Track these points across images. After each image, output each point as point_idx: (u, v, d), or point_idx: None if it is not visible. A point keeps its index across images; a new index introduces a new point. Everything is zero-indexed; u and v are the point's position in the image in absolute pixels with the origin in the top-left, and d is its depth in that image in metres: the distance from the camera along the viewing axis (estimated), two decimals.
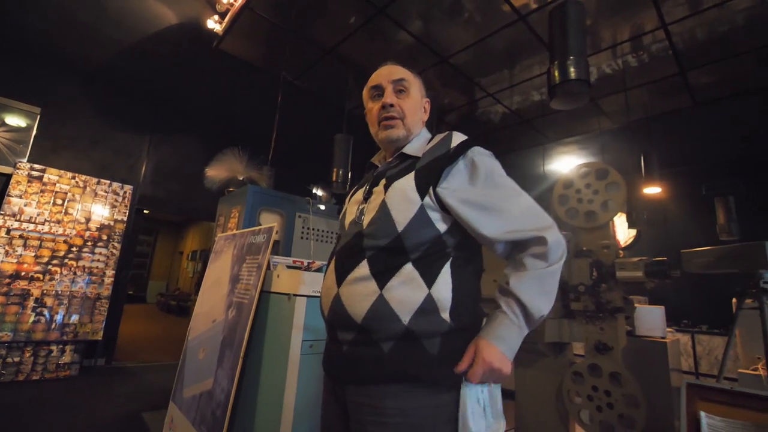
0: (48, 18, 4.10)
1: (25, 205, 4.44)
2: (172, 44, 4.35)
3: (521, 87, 4.65)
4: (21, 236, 4.34)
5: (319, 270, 1.90)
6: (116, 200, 5.08)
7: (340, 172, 3.58)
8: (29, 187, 4.51)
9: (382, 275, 0.91)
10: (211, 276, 2.69)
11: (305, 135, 6.44)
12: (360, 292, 0.92)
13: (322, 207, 3.20)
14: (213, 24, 3.65)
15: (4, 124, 4.61)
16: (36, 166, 4.61)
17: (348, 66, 4.43)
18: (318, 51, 4.21)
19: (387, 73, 1.13)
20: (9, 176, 4.46)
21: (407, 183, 0.98)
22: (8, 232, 4.27)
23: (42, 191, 4.57)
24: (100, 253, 4.80)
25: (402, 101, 1.10)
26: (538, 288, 0.88)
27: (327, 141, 4.61)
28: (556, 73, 2.15)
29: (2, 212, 4.27)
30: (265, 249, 2.03)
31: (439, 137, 1.07)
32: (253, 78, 4.88)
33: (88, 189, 4.89)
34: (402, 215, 0.95)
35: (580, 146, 6.03)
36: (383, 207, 0.97)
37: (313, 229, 3.07)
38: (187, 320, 10.69)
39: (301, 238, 2.91)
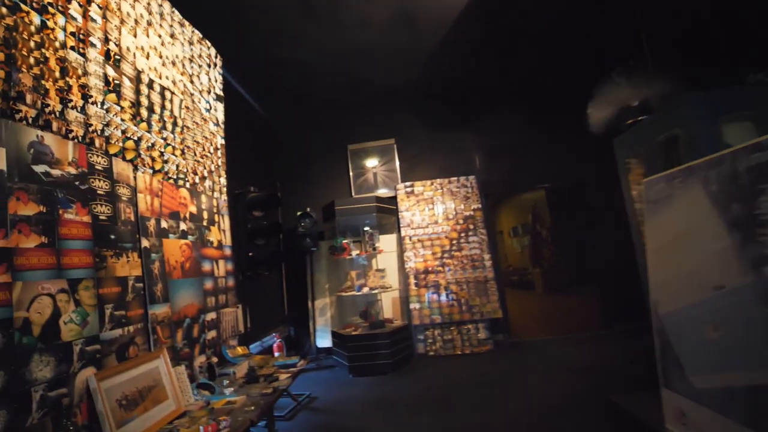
0: (373, 69, 4.88)
1: (412, 216, 5.47)
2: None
3: None
4: (418, 240, 5.35)
5: None
6: (467, 192, 5.51)
7: None
8: (409, 200, 5.54)
9: None
10: (664, 232, 2.07)
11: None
12: None
13: None
14: None
15: (380, 161, 5.92)
16: (406, 183, 5.64)
17: None
18: None
19: None
20: (394, 197, 5.63)
21: None
22: (410, 239, 5.37)
23: (417, 202, 5.52)
24: (474, 241, 5.28)
25: None
26: None
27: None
28: None
29: (402, 225, 5.42)
30: None
31: None
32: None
33: (444, 189, 5.54)
34: None
35: None
36: None
37: None
38: (530, 293, 10.73)
39: None
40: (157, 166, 2.55)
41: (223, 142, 3.58)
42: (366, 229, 5.26)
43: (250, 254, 3.71)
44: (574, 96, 5.52)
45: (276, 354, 4.81)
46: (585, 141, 5.62)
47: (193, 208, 2.83)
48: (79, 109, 1.94)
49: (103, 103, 2.12)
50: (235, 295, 3.27)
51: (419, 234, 5.37)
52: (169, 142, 2.71)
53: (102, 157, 2.03)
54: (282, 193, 5.87)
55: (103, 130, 2.09)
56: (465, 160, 5.82)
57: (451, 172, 5.70)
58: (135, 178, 2.29)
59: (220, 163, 3.46)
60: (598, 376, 3.55)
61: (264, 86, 5.05)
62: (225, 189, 3.48)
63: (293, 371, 2.71)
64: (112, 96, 2.21)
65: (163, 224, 2.46)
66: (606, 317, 5.37)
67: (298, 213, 5.19)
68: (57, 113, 1.81)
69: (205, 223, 2.97)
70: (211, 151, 3.33)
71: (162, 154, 2.62)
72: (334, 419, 3.20)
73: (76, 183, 1.81)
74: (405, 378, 4.12)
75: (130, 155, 2.29)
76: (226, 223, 3.36)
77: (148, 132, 2.50)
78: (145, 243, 2.25)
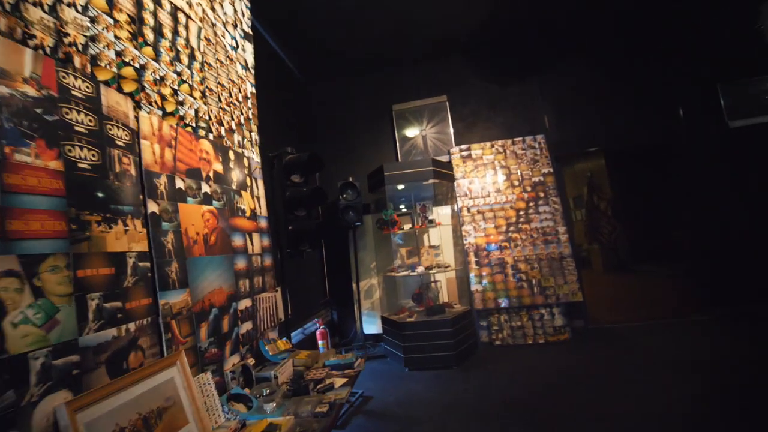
0: (420, 10, 4.04)
1: (469, 184, 4.69)
2: None
3: None
4: (478, 211, 4.58)
5: None
6: (535, 154, 4.64)
7: None
8: (465, 166, 4.75)
9: None
10: None
11: None
12: None
13: None
14: None
15: (429, 122, 5.13)
16: (462, 146, 4.83)
17: None
18: None
19: None
20: (449, 163, 4.85)
21: None
22: (468, 210, 4.61)
23: (475, 167, 4.72)
24: (545, 212, 4.45)
25: None
26: None
27: None
28: None
29: (458, 195, 4.66)
30: None
31: None
32: None
33: (507, 152, 4.70)
34: None
35: None
36: None
37: None
38: (587, 272, 9.60)
39: None
40: (170, 108, 1.92)
41: (253, 90, 2.93)
42: (398, 208, 4.55)
43: (290, 227, 3.10)
44: (664, 35, 4.51)
45: (320, 342, 4.28)
46: (676, 92, 4.60)
47: (218, 166, 2.21)
48: (46, 7, 1.31)
49: (86, 9, 1.49)
50: (273, 276, 2.68)
51: (479, 204, 4.59)
52: (185, 78, 2.08)
53: (83, 82, 1.40)
54: None
55: (86, 46, 1.46)
56: (531, 118, 4.91)
57: (514, 132, 4.83)
58: (137, 118, 1.67)
59: (250, 115, 2.82)
60: (725, 373, 2.72)
61: (294, 36, 4.32)
62: (258, 147, 2.85)
63: (351, 375, 2.10)
64: (100, 2, 1.57)
65: (179, 184, 1.85)
66: (702, 300, 4.43)
67: (339, 183, 4.53)
68: (6, 6, 1.18)
69: (234, 186, 2.36)
70: (240, 99, 2.69)
71: (175, 92, 1.99)
72: (399, 429, 2.59)
73: (37, 110, 1.20)
74: (473, 373, 3.45)
75: (129, 87, 1.66)
76: (260, 189, 2.75)
77: (156, 61, 1.86)
78: (153, 207, 1.64)
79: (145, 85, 1.77)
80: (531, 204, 4.49)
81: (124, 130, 1.57)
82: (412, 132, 5.17)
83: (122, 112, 1.58)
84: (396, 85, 5.27)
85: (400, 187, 4.39)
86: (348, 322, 4.99)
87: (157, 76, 1.86)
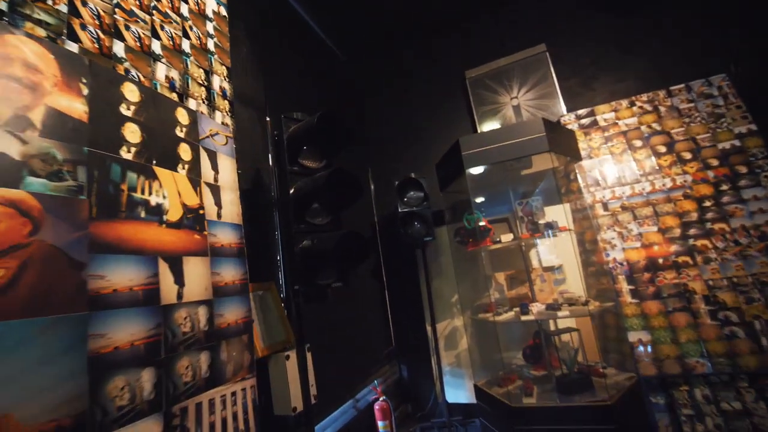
0: None
1: (599, 165, 2.97)
2: None
3: None
4: (623, 207, 2.81)
5: None
6: (715, 106, 2.78)
7: None
8: (589, 140, 3.05)
9: None
10: None
11: None
12: None
13: None
14: None
15: (522, 86, 3.55)
16: (579, 112, 3.15)
17: None
18: None
19: None
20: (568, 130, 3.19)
21: None
22: (605, 207, 2.86)
23: (606, 140, 2.99)
24: (755, 198, 2.53)
25: None
26: None
27: None
28: None
29: (585, 185, 2.95)
30: None
31: None
32: None
33: (662, 109, 2.90)
34: None
35: None
36: None
37: None
38: None
39: None
40: None
41: (220, 10, 1.71)
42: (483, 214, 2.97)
43: (305, 243, 1.75)
44: None
45: (380, 424, 2.80)
46: None
47: (75, 106, 0.95)
48: None
49: None
50: (248, 343, 1.31)
51: (624, 196, 2.82)
52: None
53: None
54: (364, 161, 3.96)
55: None
56: (697, 53, 3.06)
57: (666, 78, 3.01)
58: None
59: (212, 46, 1.58)
60: None
61: None
62: (228, 100, 1.59)
63: None
64: None
65: None
66: None
67: (397, 182, 3.18)
68: None
69: (132, 156, 1.08)
70: (185, 12, 1.47)
71: None
72: None
73: None
74: None
75: None
76: (227, 173, 1.46)
77: None
78: None
79: None
80: (724, 187, 2.60)
81: None
82: (495, 102, 3.63)
83: None
84: (467, 40, 3.83)
85: (479, 200, 2.86)
86: (424, 382, 3.45)
87: None
